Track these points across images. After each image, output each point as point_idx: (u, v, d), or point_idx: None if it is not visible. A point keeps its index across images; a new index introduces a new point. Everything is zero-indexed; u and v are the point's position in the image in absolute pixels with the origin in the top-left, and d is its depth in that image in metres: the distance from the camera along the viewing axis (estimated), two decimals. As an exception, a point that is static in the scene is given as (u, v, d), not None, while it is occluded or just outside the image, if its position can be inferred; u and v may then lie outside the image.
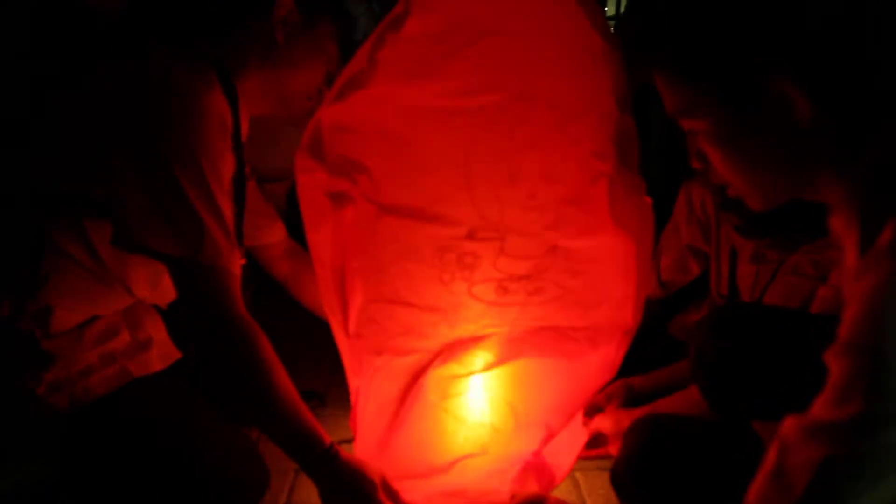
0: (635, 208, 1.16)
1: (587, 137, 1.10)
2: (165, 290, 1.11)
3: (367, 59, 1.02)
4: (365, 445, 1.21)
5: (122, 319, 1.14)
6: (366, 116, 1.03)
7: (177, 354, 1.20)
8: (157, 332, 1.18)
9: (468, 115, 1.05)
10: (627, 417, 1.31)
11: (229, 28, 1.08)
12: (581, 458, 1.35)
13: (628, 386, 1.47)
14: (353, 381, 1.18)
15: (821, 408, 0.59)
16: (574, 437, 1.33)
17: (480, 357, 1.17)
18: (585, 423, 1.39)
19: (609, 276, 1.17)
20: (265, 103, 1.15)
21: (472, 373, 1.17)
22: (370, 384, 1.17)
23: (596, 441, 1.38)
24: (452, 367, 1.16)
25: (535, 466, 1.26)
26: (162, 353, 1.18)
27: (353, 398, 1.20)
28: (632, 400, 1.44)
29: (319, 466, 1.09)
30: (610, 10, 5.00)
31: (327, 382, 1.72)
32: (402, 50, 1.01)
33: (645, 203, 1.18)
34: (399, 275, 1.10)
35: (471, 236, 1.09)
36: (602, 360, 1.22)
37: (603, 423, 1.37)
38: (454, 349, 1.15)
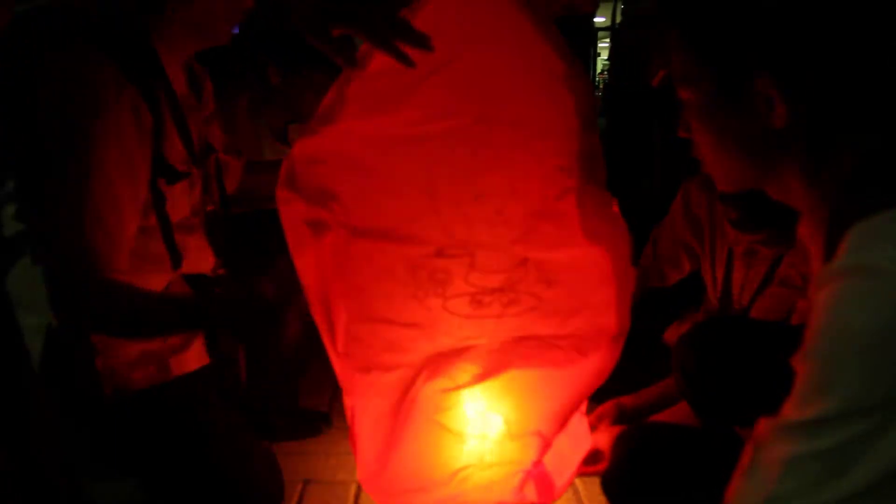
0: (606, 220, 1.19)
1: (551, 154, 1.14)
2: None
3: (336, 95, 1.08)
4: (365, 461, 1.24)
5: None
6: (334, 148, 1.09)
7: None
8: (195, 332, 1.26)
9: (431, 140, 1.10)
10: None
11: None
12: (579, 474, 1.38)
13: (619, 405, 1.50)
14: (348, 400, 1.23)
15: (789, 408, 0.63)
16: (576, 447, 1.35)
17: (468, 370, 1.20)
18: (602, 423, 1.42)
19: (585, 284, 1.19)
20: (191, 41, 1.17)
21: (460, 386, 1.21)
22: (364, 401, 1.21)
23: (594, 457, 1.40)
24: (442, 382, 1.20)
25: (537, 477, 1.28)
26: (198, 352, 1.25)
27: (349, 417, 1.24)
28: (623, 419, 1.48)
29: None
30: (606, 20, 5.02)
31: (332, 397, 1.77)
32: (368, 86, 1.08)
33: (615, 214, 1.20)
34: (376, 294, 1.15)
35: (439, 254, 1.14)
36: (592, 367, 1.23)
37: (600, 439, 1.40)
38: (441, 363, 1.19)
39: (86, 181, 1.02)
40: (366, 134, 1.10)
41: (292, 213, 1.13)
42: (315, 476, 1.51)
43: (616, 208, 1.20)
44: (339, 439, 1.62)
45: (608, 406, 1.50)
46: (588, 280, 1.19)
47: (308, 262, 1.14)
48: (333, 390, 1.76)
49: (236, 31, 1.51)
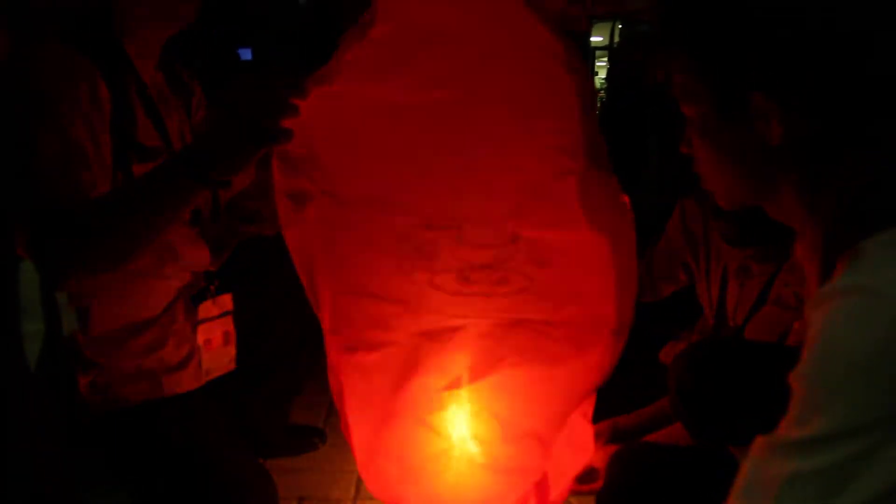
0: (610, 206, 1.14)
1: (549, 132, 1.11)
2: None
3: (334, 63, 1.06)
4: (359, 449, 1.21)
5: (169, 334, 1.21)
6: (319, 112, 1.06)
7: (206, 377, 1.28)
8: (195, 351, 1.26)
9: (422, 108, 1.07)
10: None
11: None
12: (573, 492, 1.35)
13: (614, 425, 1.49)
14: (335, 381, 1.18)
15: (785, 427, 0.63)
16: (577, 455, 1.29)
17: (459, 362, 1.16)
18: (598, 443, 1.39)
19: (582, 270, 1.14)
20: (156, 27, 1.19)
21: (451, 386, 1.16)
22: (350, 384, 1.17)
23: (589, 476, 1.37)
24: (432, 379, 1.16)
25: (538, 487, 1.23)
26: (195, 373, 1.25)
27: (336, 399, 1.20)
28: (618, 438, 1.46)
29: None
30: (604, 39, 5.08)
31: (327, 413, 1.77)
32: (365, 53, 1.06)
33: (622, 202, 1.15)
34: (361, 266, 1.12)
35: (426, 225, 1.11)
36: (591, 363, 1.17)
37: (595, 458, 1.38)
38: (429, 353, 1.15)
39: (46, 126, 1.04)
40: (355, 100, 1.07)
41: (282, 184, 1.11)
42: (309, 493, 1.50)
43: (626, 199, 1.15)
44: (334, 456, 1.61)
45: (603, 425, 1.49)
46: (585, 266, 1.14)
47: (295, 234, 1.12)
48: (329, 406, 1.75)
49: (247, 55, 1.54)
